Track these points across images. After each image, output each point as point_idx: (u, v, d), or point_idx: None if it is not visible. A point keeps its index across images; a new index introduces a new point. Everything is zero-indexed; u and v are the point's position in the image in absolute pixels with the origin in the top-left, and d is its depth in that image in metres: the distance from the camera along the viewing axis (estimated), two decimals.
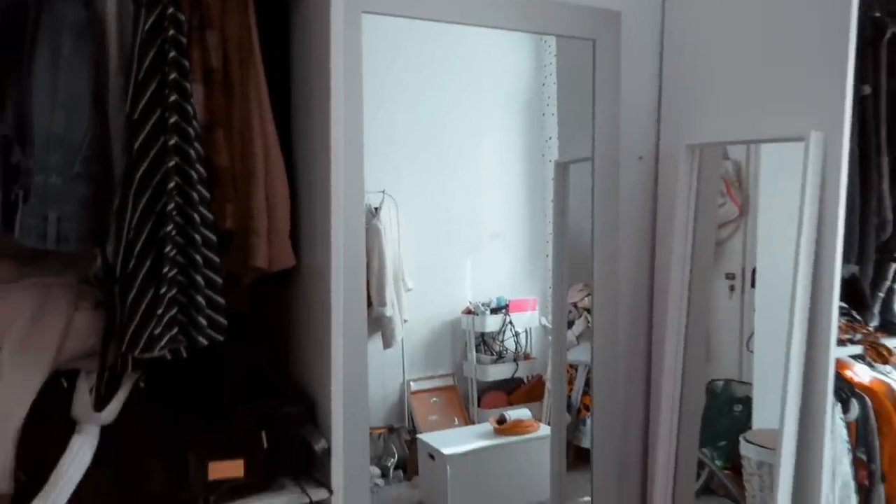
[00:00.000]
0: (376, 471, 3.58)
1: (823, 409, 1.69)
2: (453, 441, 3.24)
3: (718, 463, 3.40)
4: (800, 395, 1.73)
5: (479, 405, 4.03)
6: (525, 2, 1.87)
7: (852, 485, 1.83)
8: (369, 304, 3.72)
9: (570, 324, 3.40)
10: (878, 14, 1.80)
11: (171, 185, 1.01)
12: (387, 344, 3.78)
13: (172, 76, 1.01)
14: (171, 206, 1.01)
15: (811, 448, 1.73)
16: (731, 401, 3.54)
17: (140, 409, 1.07)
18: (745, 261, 3.62)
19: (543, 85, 4.23)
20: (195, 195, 1.03)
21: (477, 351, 4.09)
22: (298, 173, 1.24)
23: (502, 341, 4.13)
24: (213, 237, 1.05)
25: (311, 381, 1.16)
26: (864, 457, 1.86)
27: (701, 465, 3.28)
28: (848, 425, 1.85)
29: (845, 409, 1.85)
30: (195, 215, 1.03)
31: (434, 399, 4.06)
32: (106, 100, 1.08)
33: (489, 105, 4.22)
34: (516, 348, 4.14)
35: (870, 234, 1.77)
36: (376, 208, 3.77)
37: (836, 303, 1.66)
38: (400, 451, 3.78)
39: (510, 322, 4.08)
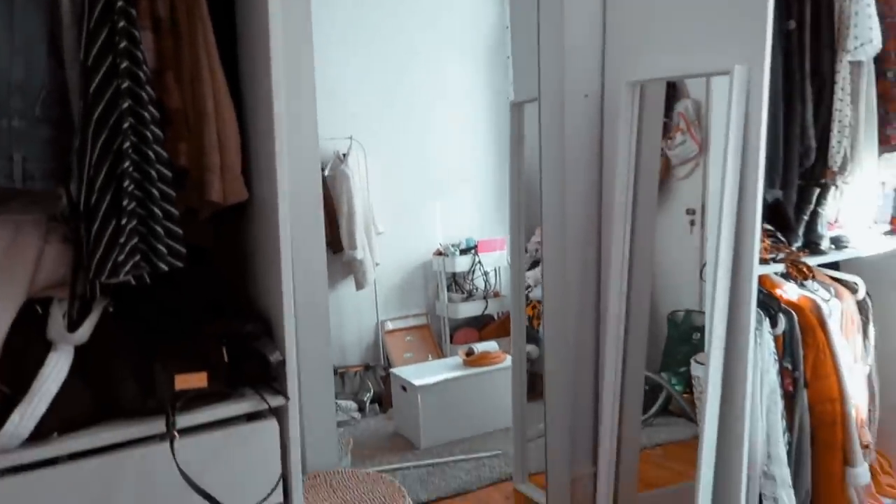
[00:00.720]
0: (353, 405, 3.76)
1: (748, 322, 1.85)
2: (424, 373, 3.41)
3: (678, 388, 3.61)
4: (726, 311, 1.88)
5: (451, 342, 4.21)
6: None
7: (779, 391, 2.01)
8: (341, 248, 3.84)
9: (536, 263, 3.54)
10: None
11: (126, 125, 1.10)
12: (359, 286, 3.92)
13: (121, 24, 1.09)
14: (127, 144, 1.10)
15: (738, 357, 1.89)
16: (690, 329, 3.74)
17: (110, 331, 1.19)
18: (704, 197, 3.76)
19: (507, 28, 4.26)
20: (149, 134, 1.13)
21: (448, 290, 4.24)
22: (247, 114, 1.33)
23: (472, 280, 4.29)
24: (168, 173, 1.15)
25: (267, 303, 1.29)
26: (789, 366, 2.03)
27: (661, 388, 3.50)
28: (775, 338, 2.02)
29: (773, 324, 2.02)
30: (150, 153, 1.13)
31: (408, 338, 4.23)
32: (61, 47, 1.16)
33: (455, 50, 4.27)
34: (486, 287, 4.31)
35: (793, 161, 1.90)
36: (344, 154, 3.85)
37: (758, 224, 1.80)
38: (376, 386, 3.96)
39: (479, 262, 4.23)
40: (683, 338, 3.70)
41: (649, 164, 2.28)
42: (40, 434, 1.07)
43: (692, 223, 3.82)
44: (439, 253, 4.29)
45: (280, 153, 1.19)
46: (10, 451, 1.05)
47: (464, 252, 4.24)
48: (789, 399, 2.04)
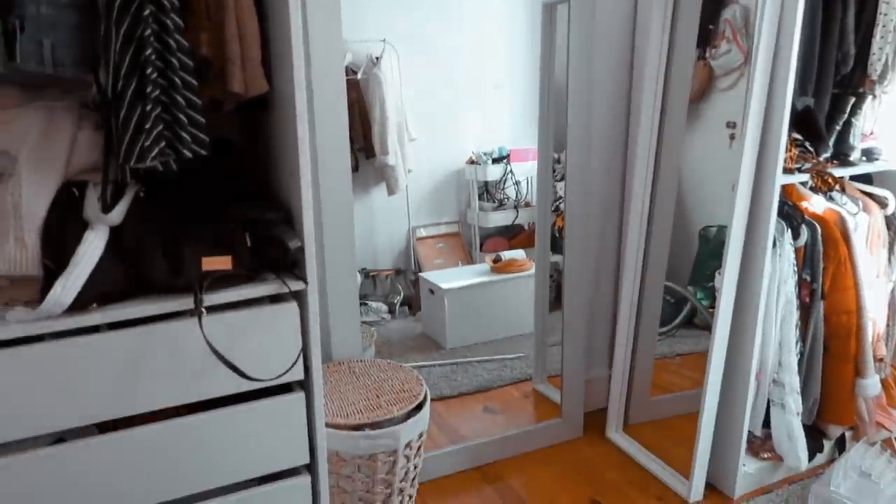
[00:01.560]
0: (384, 307, 3.90)
1: (767, 231, 1.86)
2: (452, 278, 3.50)
3: (705, 302, 3.64)
4: (745, 219, 1.88)
5: (481, 250, 4.28)
6: None
7: (795, 302, 2.03)
8: (374, 153, 3.87)
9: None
10: None
11: (146, 12, 1.13)
12: (391, 191, 3.97)
13: None
14: (148, 31, 1.14)
15: (755, 266, 1.91)
16: (721, 245, 3.72)
17: (141, 215, 1.26)
18: (746, 109, 3.65)
19: None
20: (169, 22, 1.16)
21: (480, 199, 4.27)
22: (266, 5, 1.34)
23: (504, 190, 4.30)
24: (189, 62, 1.19)
25: (288, 193, 1.34)
26: (808, 277, 2.04)
27: (686, 301, 3.53)
28: (796, 250, 2.02)
29: (795, 236, 2.02)
30: (171, 41, 1.16)
31: (440, 245, 4.31)
32: None
33: None
34: (517, 196, 4.32)
35: (829, 68, 1.83)
36: (377, 57, 3.81)
37: (784, 132, 1.77)
38: (406, 290, 4.09)
39: (511, 171, 4.23)
40: (714, 253, 3.69)
41: (682, 76, 2.22)
42: (80, 304, 1.17)
43: (732, 137, 3.72)
44: (472, 161, 4.30)
45: (297, 46, 1.21)
46: (55, 318, 1.15)
47: (496, 161, 4.24)
48: (805, 310, 2.06)
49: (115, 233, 1.25)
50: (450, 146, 4.28)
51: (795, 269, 2.02)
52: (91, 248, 1.18)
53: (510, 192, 4.34)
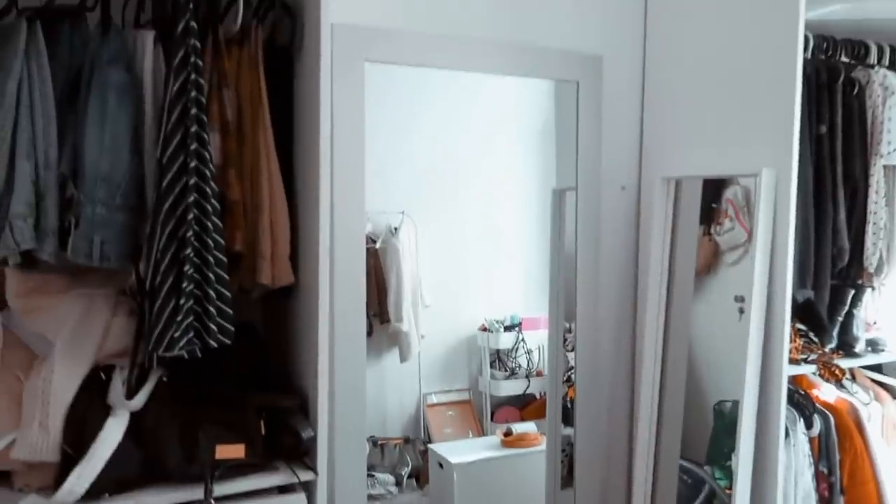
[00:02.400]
0: (391, 479, 3.78)
1: (778, 422, 1.85)
2: (462, 451, 3.42)
3: (723, 482, 3.50)
4: (755, 411, 1.89)
5: (492, 419, 4.21)
6: (514, 48, 2.08)
7: (814, 496, 1.97)
8: (388, 319, 3.95)
9: None
10: (832, 59, 1.97)
11: (191, 216, 1.25)
12: (403, 358, 3.99)
13: (194, 128, 1.26)
14: (190, 233, 1.24)
15: (768, 458, 1.88)
16: (736, 421, 3.65)
17: (162, 399, 1.30)
18: (749, 303, 3.73)
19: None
20: (210, 224, 1.27)
21: (491, 367, 4.27)
22: (299, 202, 1.47)
23: (515, 358, 4.31)
24: (224, 259, 1.29)
25: (305, 381, 1.39)
26: (825, 470, 2.00)
27: (704, 482, 3.40)
28: (811, 440, 2.00)
29: (808, 425, 2.00)
30: (209, 240, 1.27)
31: (450, 412, 4.25)
32: (142, 145, 1.33)
33: (506, 132, 4.43)
34: (528, 365, 4.31)
35: (825, 261, 1.92)
36: (396, 228, 4.01)
37: (787, 324, 1.82)
38: (414, 460, 3.98)
39: (523, 339, 4.26)
40: (729, 429, 3.60)
41: (685, 256, 2.33)
42: (94, 493, 1.17)
43: (741, 311, 3.77)
44: (484, 328, 4.35)
45: (324, 247, 1.31)
46: None
47: (508, 329, 4.29)
48: None
49: (135, 417, 1.28)
50: (463, 313, 4.36)
51: (811, 460, 1.98)
52: (110, 436, 1.21)
53: (522, 360, 4.34)
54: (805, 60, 1.81)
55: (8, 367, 1.28)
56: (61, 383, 1.23)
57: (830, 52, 1.99)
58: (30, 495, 1.16)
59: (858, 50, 2.02)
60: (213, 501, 1.20)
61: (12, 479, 1.23)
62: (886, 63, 2.04)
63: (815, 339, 1.95)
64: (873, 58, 2.03)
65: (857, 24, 2.08)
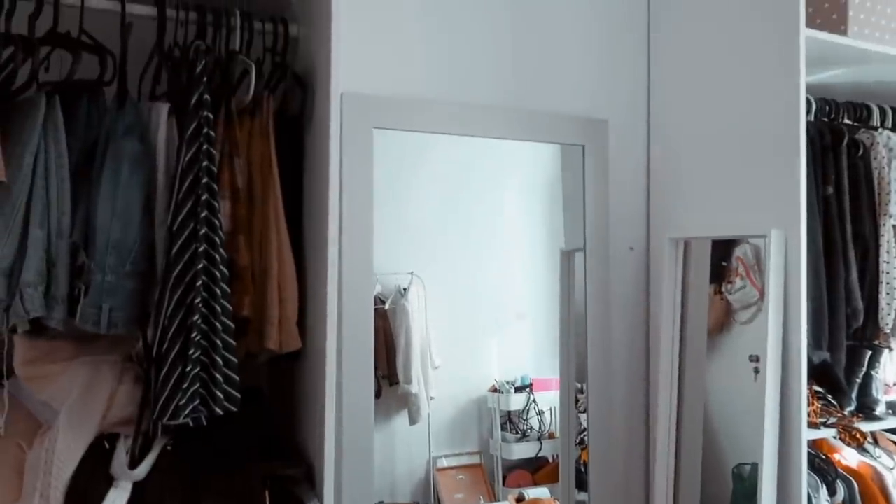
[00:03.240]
0: None
1: (799, 489, 1.79)
2: None
3: None
4: (775, 477, 1.83)
5: (504, 483, 4.10)
6: (520, 114, 2.13)
7: None
8: (396, 381, 3.91)
9: None
10: (836, 121, 1.99)
11: (200, 282, 1.25)
12: (412, 420, 3.93)
13: (204, 197, 1.28)
14: (199, 300, 1.25)
15: None
16: (756, 484, 3.53)
17: (166, 468, 1.28)
18: (763, 365, 3.68)
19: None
20: (218, 291, 1.27)
21: (502, 429, 4.19)
22: (307, 267, 1.48)
23: (527, 420, 4.23)
24: (231, 325, 1.29)
25: (311, 447, 1.36)
26: None
27: None
28: None
29: (831, 492, 1.94)
30: (217, 307, 1.27)
31: (460, 476, 4.15)
32: (153, 212, 1.35)
33: (514, 193, 4.47)
34: (540, 427, 4.23)
35: (840, 323, 1.89)
36: (405, 289, 4.01)
37: (804, 386, 1.78)
38: None
39: (534, 401, 4.19)
40: (749, 493, 3.49)
41: (697, 316, 2.31)
42: None
43: (756, 371, 3.71)
44: (494, 389, 4.28)
45: (332, 313, 1.31)
46: None
47: (519, 389, 4.22)
48: None
49: (137, 487, 1.26)
50: (473, 374, 4.30)
51: None
52: None
53: (533, 422, 4.25)
54: (808, 123, 1.83)
55: (11, 436, 1.27)
56: (64, 454, 1.21)
57: (833, 115, 2.01)
58: None
59: (861, 112, 2.04)
60: None
61: None
62: (889, 125, 2.07)
63: (834, 402, 1.90)
64: (876, 120, 2.05)
65: (858, 87, 2.11)
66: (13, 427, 1.27)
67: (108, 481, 1.22)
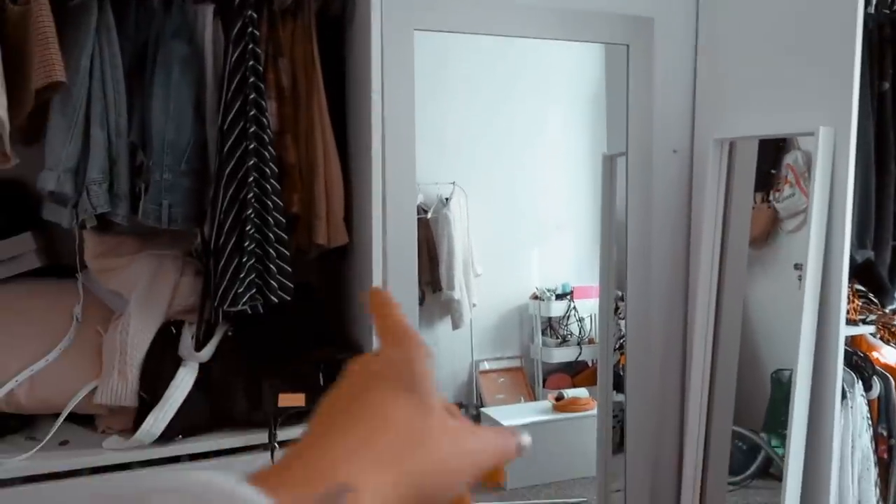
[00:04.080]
0: None
1: (834, 383, 1.83)
2: (514, 415, 3.49)
3: (780, 450, 3.46)
4: (810, 372, 1.87)
5: (544, 386, 4.25)
6: (563, 12, 2.07)
7: (872, 457, 1.95)
8: (440, 287, 4.01)
9: None
10: None
11: (251, 178, 1.32)
12: (455, 325, 4.06)
13: (252, 96, 1.32)
14: (251, 195, 1.31)
15: (824, 419, 1.87)
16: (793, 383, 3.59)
17: (228, 352, 1.39)
18: (805, 261, 3.65)
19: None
20: (269, 187, 1.34)
21: (543, 335, 4.30)
22: (352, 166, 1.52)
23: (567, 326, 4.33)
24: (283, 219, 1.36)
25: (360, 335, 1.45)
26: (884, 432, 1.97)
27: (761, 449, 3.37)
28: (869, 402, 1.97)
29: (867, 387, 1.97)
30: (269, 202, 1.33)
31: (501, 379, 4.31)
32: (204, 113, 1.41)
33: (556, 99, 4.40)
34: (580, 332, 4.33)
35: (885, 221, 1.87)
36: (447, 198, 4.05)
37: (845, 283, 1.78)
38: None
39: (574, 308, 4.27)
40: (787, 398, 3.55)
41: (740, 220, 2.29)
42: (168, 436, 1.27)
43: (800, 279, 3.69)
44: (535, 297, 4.37)
45: (376, 207, 1.36)
46: (144, 448, 1.25)
47: (559, 297, 4.30)
48: (884, 467, 1.97)
49: (204, 367, 1.37)
50: (514, 282, 4.39)
51: (870, 422, 1.95)
52: (182, 384, 1.30)
53: (573, 328, 4.35)
54: (867, 14, 1.75)
55: (88, 322, 1.38)
56: (136, 337, 1.32)
57: (895, 5, 1.91)
58: (112, 436, 1.27)
59: None
60: (276, 445, 1.28)
61: (96, 423, 1.34)
62: None
63: (875, 301, 1.90)
64: None
65: None
66: (89, 314, 1.38)
67: (177, 362, 1.34)
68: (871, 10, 1.85)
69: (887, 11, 1.90)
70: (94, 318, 1.40)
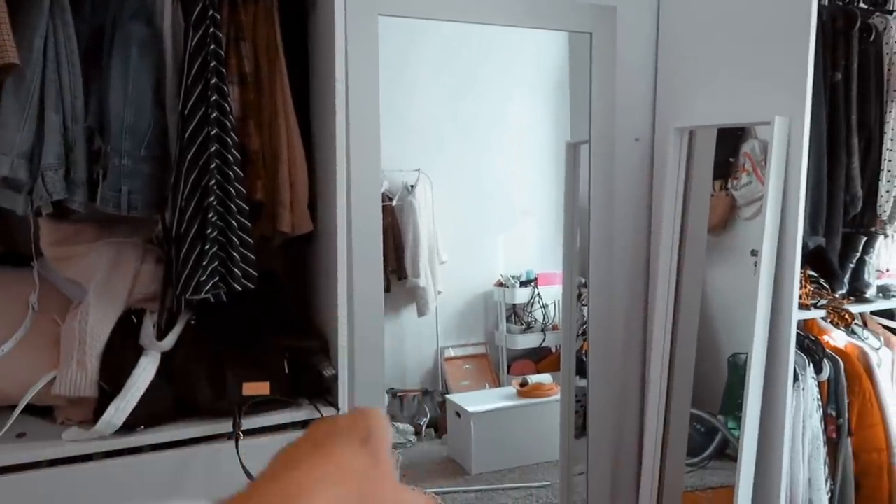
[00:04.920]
0: (410, 429, 3.89)
1: (787, 366, 1.89)
2: (479, 401, 3.52)
3: (736, 432, 3.57)
4: (764, 354, 1.93)
5: (508, 372, 4.30)
6: (528, 0, 2.08)
7: (822, 437, 2.02)
8: (405, 275, 4.02)
9: None
10: (849, 5, 1.95)
11: (213, 165, 1.30)
12: (420, 312, 4.07)
13: (213, 81, 1.30)
14: (213, 181, 1.30)
15: (777, 401, 1.93)
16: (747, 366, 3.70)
17: (191, 340, 1.37)
18: (760, 246, 3.75)
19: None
20: (231, 173, 1.32)
21: (507, 321, 4.34)
22: (316, 153, 1.51)
23: (531, 313, 4.38)
24: (246, 206, 1.34)
25: (325, 322, 1.45)
26: (833, 413, 2.04)
27: (718, 431, 3.47)
28: (820, 384, 2.04)
29: (818, 370, 2.04)
30: (231, 189, 1.32)
31: (467, 366, 4.34)
32: (164, 98, 1.38)
33: (519, 87, 4.42)
34: (544, 319, 4.38)
35: (838, 209, 1.93)
36: (412, 185, 4.05)
37: (797, 269, 1.84)
38: (433, 411, 4.09)
39: (538, 294, 4.32)
40: (744, 381, 3.65)
41: (699, 208, 2.34)
42: (129, 426, 1.25)
43: (757, 265, 3.79)
44: (500, 284, 4.41)
45: (341, 193, 1.36)
46: (105, 438, 1.23)
47: (524, 284, 4.35)
48: (833, 446, 2.04)
49: (166, 357, 1.36)
50: (479, 269, 4.42)
51: (820, 403, 2.02)
52: (144, 373, 1.28)
53: (538, 315, 4.41)
54: (821, 6, 1.80)
55: (45, 311, 1.35)
56: (96, 325, 1.30)
57: None
58: (71, 428, 1.24)
59: None
60: (241, 434, 1.28)
61: (54, 415, 1.32)
62: None
63: (826, 286, 1.97)
64: (892, 3, 2.00)
65: None
66: (46, 303, 1.35)
67: (138, 351, 1.32)
68: (825, 1, 1.90)
69: (840, 3, 1.95)
70: (52, 307, 1.37)
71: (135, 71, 1.33)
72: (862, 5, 2.01)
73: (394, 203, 3.95)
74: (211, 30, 1.29)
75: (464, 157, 4.32)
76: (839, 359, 2.05)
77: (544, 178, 4.58)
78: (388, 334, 3.71)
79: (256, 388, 1.34)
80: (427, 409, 4.10)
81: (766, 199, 1.87)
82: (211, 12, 1.30)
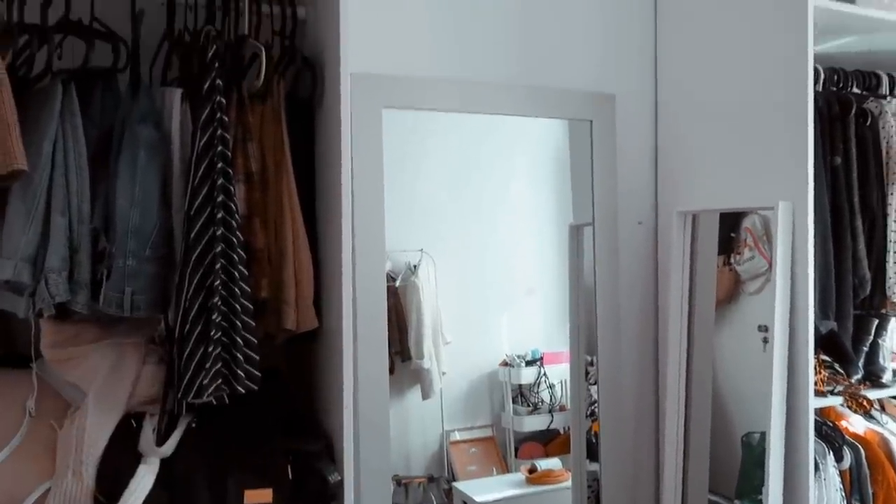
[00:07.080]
0: None
1: (807, 456, 1.83)
2: (487, 489, 3.39)
3: None
4: (782, 447, 1.87)
5: (516, 455, 4.17)
6: (528, 90, 2.13)
7: None
8: (409, 356, 3.96)
9: None
10: (843, 90, 1.99)
11: (218, 265, 1.29)
12: (425, 395, 3.99)
13: (220, 181, 1.30)
14: (218, 282, 1.28)
15: (798, 493, 1.86)
16: (765, 452, 3.58)
17: (191, 445, 1.33)
18: (771, 334, 3.71)
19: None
20: (236, 273, 1.31)
21: (514, 402, 4.24)
22: (322, 248, 1.51)
23: (538, 393, 4.28)
24: (250, 306, 1.32)
25: (330, 424, 1.41)
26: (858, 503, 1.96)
27: None
28: (841, 473, 1.97)
29: (838, 458, 1.97)
30: (236, 289, 1.30)
31: (473, 449, 4.22)
32: (171, 198, 1.38)
33: (522, 169, 4.47)
34: (551, 400, 4.28)
35: (847, 293, 1.91)
36: (415, 266, 4.04)
37: (811, 356, 1.81)
38: (439, 499, 3.94)
39: (545, 374, 4.24)
40: (759, 461, 3.53)
41: (706, 288, 2.33)
42: None
43: (765, 340, 3.74)
44: (505, 363, 4.33)
45: (346, 292, 1.34)
46: None
47: (529, 363, 4.27)
48: None
49: (165, 463, 1.31)
50: (483, 349, 4.34)
51: (843, 494, 1.94)
52: (143, 483, 1.23)
53: (545, 395, 4.31)
54: (816, 93, 1.83)
55: (43, 416, 1.31)
56: (94, 432, 1.26)
57: (841, 84, 2.01)
58: None
59: (869, 81, 2.03)
60: None
61: None
62: None
63: (841, 371, 1.93)
64: (885, 88, 2.05)
65: (866, 55, 2.10)
66: (44, 407, 1.32)
67: (137, 458, 1.27)
68: (820, 87, 1.94)
69: (834, 89, 2.00)
70: (49, 412, 1.33)
71: (142, 173, 1.34)
72: (855, 90, 2.05)
73: (397, 284, 3.93)
74: (219, 132, 1.30)
75: (467, 237, 4.32)
76: (860, 446, 1.99)
77: (547, 258, 4.57)
78: (392, 419, 3.61)
79: (258, 496, 1.29)
80: (433, 498, 3.96)
81: (774, 284, 1.85)
82: (219, 115, 1.32)
